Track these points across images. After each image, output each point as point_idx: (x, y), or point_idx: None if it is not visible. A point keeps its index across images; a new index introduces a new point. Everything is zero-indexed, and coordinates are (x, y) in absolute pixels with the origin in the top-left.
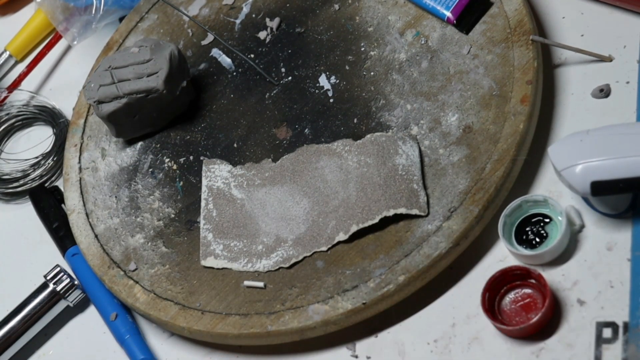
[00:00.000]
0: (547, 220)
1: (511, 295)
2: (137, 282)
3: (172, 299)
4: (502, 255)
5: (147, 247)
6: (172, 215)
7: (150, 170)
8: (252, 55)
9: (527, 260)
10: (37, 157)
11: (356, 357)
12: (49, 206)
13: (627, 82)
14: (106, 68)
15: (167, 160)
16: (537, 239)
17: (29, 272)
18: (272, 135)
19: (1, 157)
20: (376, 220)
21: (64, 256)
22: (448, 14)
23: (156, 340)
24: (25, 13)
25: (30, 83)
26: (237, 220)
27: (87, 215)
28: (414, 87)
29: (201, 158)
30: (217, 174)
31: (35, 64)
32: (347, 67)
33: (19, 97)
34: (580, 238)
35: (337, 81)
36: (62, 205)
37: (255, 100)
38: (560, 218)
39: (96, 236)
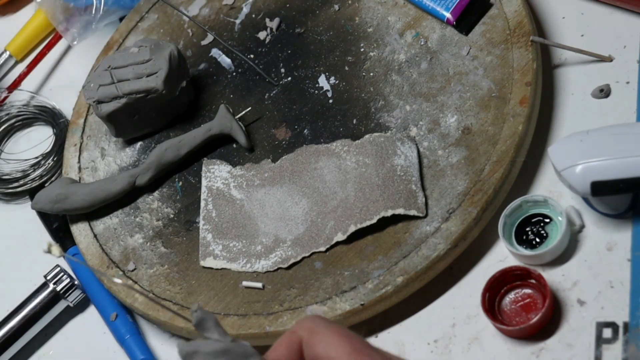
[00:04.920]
0: (547, 220)
1: (511, 296)
2: (136, 282)
3: (171, 299)
4: (502, 256)
5: (146, 247)
6: (171, 216)
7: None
8: (252, 56)
9: (527, 261)
10: (37, 157)
11: None
12: None
13: (627, 82)
14: (106, 68)
15: None
16: (537, 239)
17: (29, 272)
18: (271, 136)
19: (1, 157)
20: (374, 221)
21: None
22: (448, 15)
23: (156, 340)
24: (25, 13)
25: (30, 83)
26: (236, 220)
27: (86, 214)
28: (413, 88)
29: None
30: (216, 175)
31: (35, 64)
32: (346, 68)
33: (19, 97)
34: (580, 238)
35: (337, 82)
36: None
37: (254, 100)
38: (560, 218)
39: (95, 236)
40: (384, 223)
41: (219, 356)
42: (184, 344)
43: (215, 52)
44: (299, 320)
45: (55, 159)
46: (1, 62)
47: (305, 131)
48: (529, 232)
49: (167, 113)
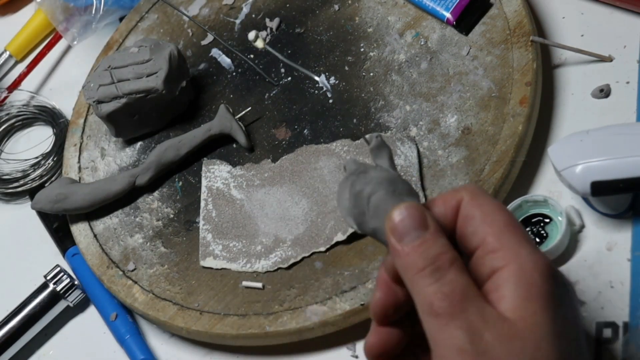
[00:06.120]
0: (547, 220)
1: None
2: (135, 282)
3: (171, 299)
4: None
5: (146, 247)
6: (171, 216)
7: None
8: (252, 56)
9: None
10: (37, 157)
11: (356, 357)
12: None
13: (627, 82)
14: (106, 68)
15: None
16: (537, 239)
17: (29, 272)
18: (271, 136)
19: (1, 157)
20: None
21: (64, 256)
22: (448, 14)
23: (156, 340)
24: (25, 13)
25: (30, 83)
26: (236, 220)
27: (86, 214)
28: (413, 88)
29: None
30: (216, 175)
31: (35, 64)
32: (346, 68)
33: (19, 97)
34: (580, 238)
35: (337, 82)
36: None
37: (254, 100)
38: (560, 218)
39: (95, 236)
40: None
41: (384, 183)
42: (356, 161)
43: (215, 52)
44: (464, 184)
45: (55, 159)
46: (1, 62)
47: (305, 131)
48: (529, 232)
49: (167, 113)
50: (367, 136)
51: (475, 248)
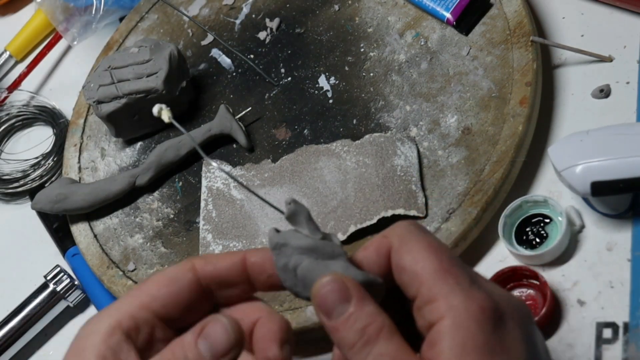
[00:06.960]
0: (547, 220)
1: None
2: (136, 283)
3: None
4: (502, 256)
5: (146, 247)
6: (171, 216)
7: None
8: (252, 56)
9: (527, 261)
10: (37, 157)
11: None
12: None
13: (627, 82)
14: (106, 68)
15: None
16: (537, 239)
17: (29, 272)
18: (271, 136)
19: (1, 157)
20: (374, 221)
21: (64, 256)
22: (448, 15)
23: None
24: (25, 13)
25: (30, 83)
26: (236, 220)
27: (86, 215)
28: (413, 88)
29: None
30: (216, 175)
31: (35, 64)
32: (346, 68)
33: (19, 97)
34: (580, 238)
35: (337, 82)
36: None
37: (254, 100)
38: (560, 218)
39: (95, 236)
40: (384, 223)
41: (306, 252)
42: (275, 234)
43: (215, 52)
44: (393, 225)
45: (55, 159)
46: (1, 62)
47: (305, 131)
48: (529, 232)
49: None
50: (284, 207)
51: (414, 298)
